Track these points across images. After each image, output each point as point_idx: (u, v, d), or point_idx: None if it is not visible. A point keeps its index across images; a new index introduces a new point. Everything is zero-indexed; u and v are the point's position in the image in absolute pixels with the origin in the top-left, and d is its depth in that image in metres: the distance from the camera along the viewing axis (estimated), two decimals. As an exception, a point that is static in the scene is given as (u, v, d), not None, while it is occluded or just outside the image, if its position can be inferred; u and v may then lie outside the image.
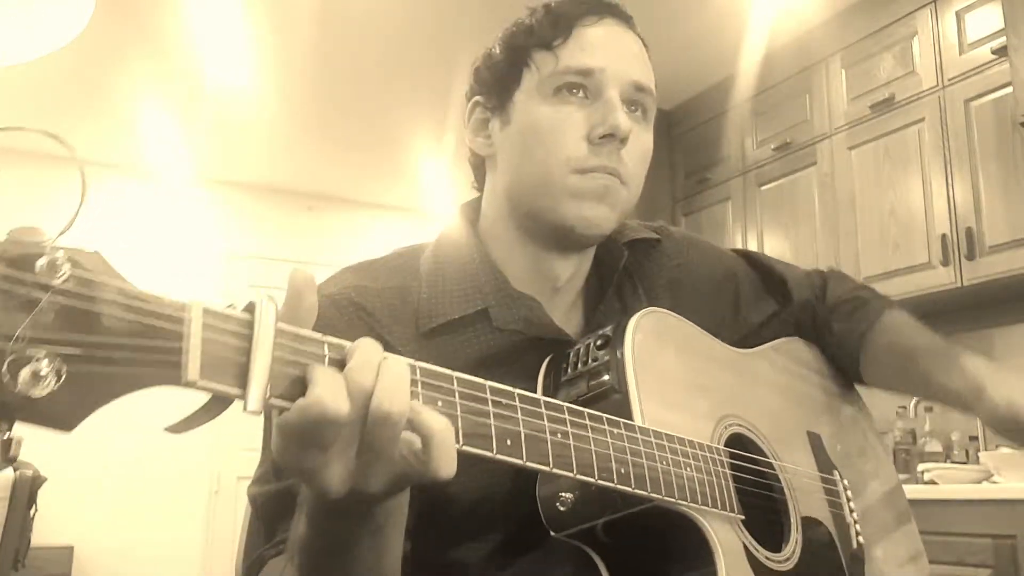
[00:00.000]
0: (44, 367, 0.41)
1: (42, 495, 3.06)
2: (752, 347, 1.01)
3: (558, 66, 0.85)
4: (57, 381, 0.42)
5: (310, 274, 0.54)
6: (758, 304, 1.07)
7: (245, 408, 0.48)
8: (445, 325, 0.85)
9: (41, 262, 0.42)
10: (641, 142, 0.88)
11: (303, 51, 3.63)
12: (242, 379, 0.48)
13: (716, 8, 3.28)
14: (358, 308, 0.83)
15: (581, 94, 0.85)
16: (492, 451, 0.59)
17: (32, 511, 2.99)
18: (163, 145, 4.51)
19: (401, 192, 5.25)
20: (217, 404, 0.50)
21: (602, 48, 0.86)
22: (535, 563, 0.81)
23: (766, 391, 0.97)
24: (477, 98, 0.93)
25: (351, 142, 4.58)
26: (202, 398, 0.50)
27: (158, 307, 0.46)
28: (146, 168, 4.76)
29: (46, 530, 3.83)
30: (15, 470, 2.90)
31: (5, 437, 0.43)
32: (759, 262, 1.11)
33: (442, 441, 0.53)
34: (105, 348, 0.44)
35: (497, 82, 0.90)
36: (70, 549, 4.28)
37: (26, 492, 2.87)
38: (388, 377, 0.52)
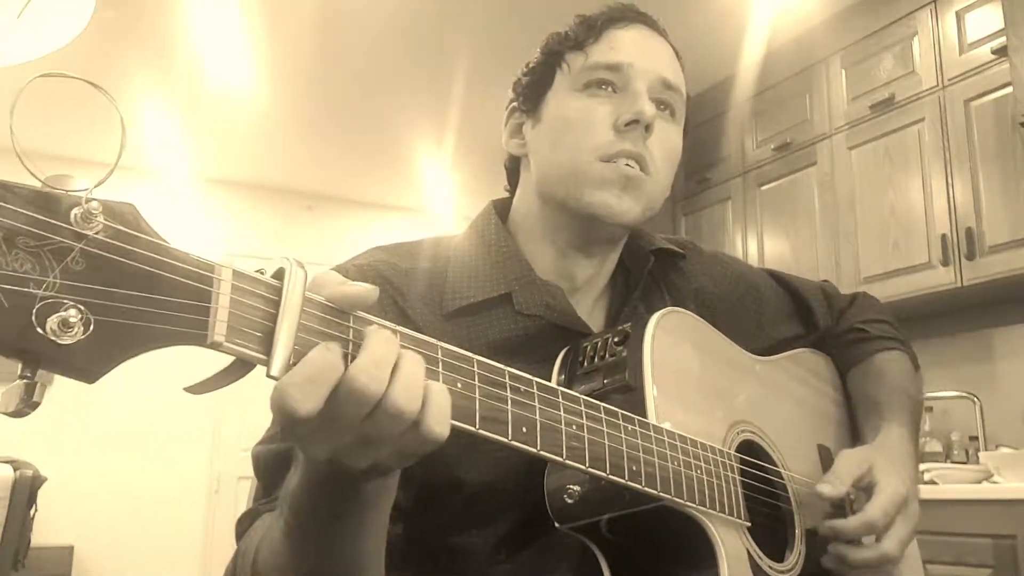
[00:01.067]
0: (73, 316, 0.41)
1: (42, 495, 3.06)
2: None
3: (587, 62, 0.88)
4: (85, 331, 0.42)
5: (376, 297, 0.54)
6: (781, 324, 1.08)
7: (268, 372, 0.49)
8: (468, 307, 0.86)
9: (76, 211, 0.42)
10: (668, 137, 0.90)
11: (303, 51, 3.63)
12: (267, 344, 0.49)
13: (716, 8, 3.28)
14: (386, 281, 0.85)
15: (609, 89, 0.88)
16: (507, 437, 0.59)
17: (32, 511, 2.99)
18: (163, 145, 4.51)
19: (401, 192, 5.25)
20: (239, 368, 0.50)
21: (631, 46, 0.89)
22: (539, 554, 0.81)
23: (780, 400, 0.97)
24: (514, 104, 0.96)
25: (351, 142, 4.58)
26: (223, 361, 0.50)
27: (189, 265, 0.47)
28: (146, 168, 4.76)
29: (46, 530, 3.83)
30: (15, 470, 2.90)
31: (30, 381, 0.43)
32: (787, 283, 1.12)
33: (437, 399, 0.53)
34: (134, 301, 0.44)
35: (531, 85, 0.93)
36: (70, 549, 4.28)
37: (26, 492, 2.87)
38: (406, 377, 0.52)
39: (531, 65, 0.95)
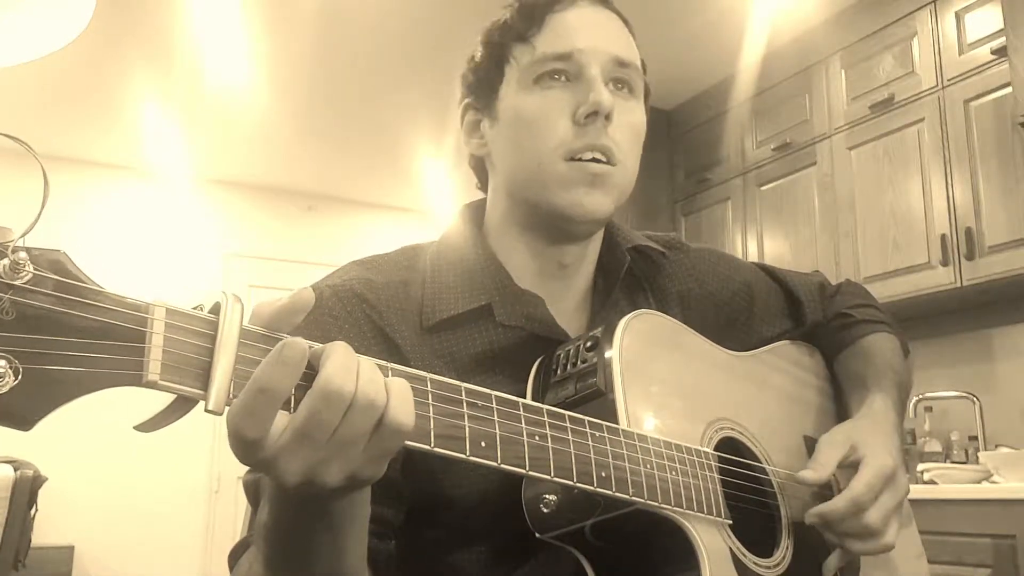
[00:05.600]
0: (1, 366, 0.42)
1: (42, 495, 3.06)
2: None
3: (535, 55, 0.85)
4: (15, 380, 0.42)
5: (312, 297, 0.54)
6: (772, 320, 1.07)
7: (206, 408, 0.49)
8: (448, 320, 0.85)
9: (4, 263, 0.43)
10: (630, 118, 0.87)
11: (303, 51, 3.62)
12: (205, 379, 0.49)
13: (716, 8, 3.28)
14: (361, 300, 0.83)
15: (563, 79, 0.85)
16: (465, 453, 0.59)
17: (32, 511, 2.99)
18: (163, 145, 4.51)
19: (401, 192, 5.25)
20: (181, 404, 0.50)
21: (577, 30, 0.86)
22: (535, 569, 0.80)
23: (762, 395, 0.96)
24: (467, 100, 0.93)
25: (351, 142, 4.58)
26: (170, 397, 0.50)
27: (121, 307, 0.47)
28: (146, 168, 4.76)
29: (46, 530, 3.83)
30: (15, 470, 2.90)
31: None
32: (778, 277, 1.11)
33: (398, 390, 0.54)
34: (65, 348, 0.45)
35: (482, 82, 0.91)
36: (70, 549, 4.27)
37: (26, 492, 2.87)
38: (367, 372, 0.53)
39: (477, 60, 0.92)
